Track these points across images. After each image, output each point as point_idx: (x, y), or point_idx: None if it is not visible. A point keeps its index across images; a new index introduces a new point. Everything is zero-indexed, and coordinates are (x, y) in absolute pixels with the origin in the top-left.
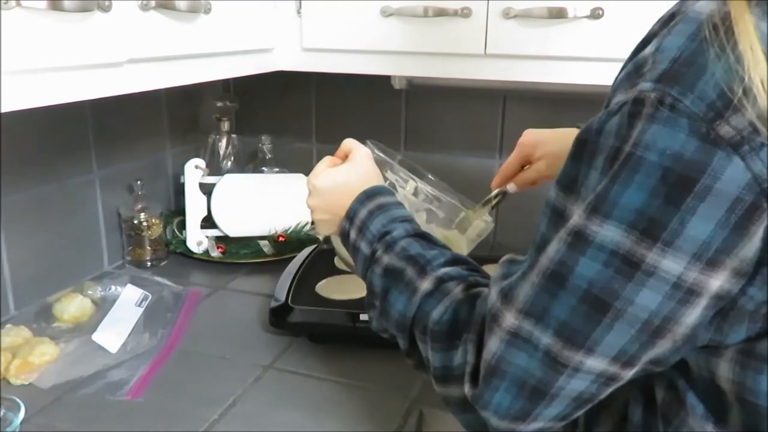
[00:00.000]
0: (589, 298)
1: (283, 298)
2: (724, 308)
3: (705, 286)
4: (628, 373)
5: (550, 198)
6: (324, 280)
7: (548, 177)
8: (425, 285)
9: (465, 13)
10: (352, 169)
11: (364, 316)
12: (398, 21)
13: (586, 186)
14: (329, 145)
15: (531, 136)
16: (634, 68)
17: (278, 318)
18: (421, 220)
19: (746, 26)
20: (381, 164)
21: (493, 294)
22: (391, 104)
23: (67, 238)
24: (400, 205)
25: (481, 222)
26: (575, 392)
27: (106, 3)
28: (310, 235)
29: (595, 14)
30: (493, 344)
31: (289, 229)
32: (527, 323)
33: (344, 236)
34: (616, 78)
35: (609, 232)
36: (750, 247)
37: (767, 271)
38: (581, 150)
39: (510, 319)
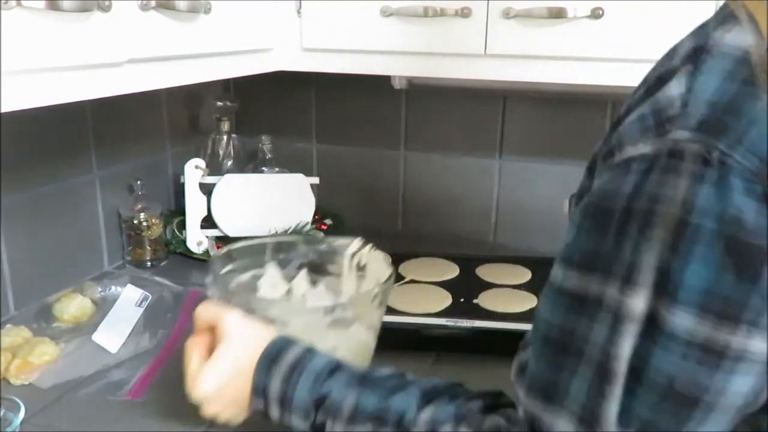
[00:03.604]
0: (673, 395)
1: None
2: None
3: None
4: None
5: (557, 281)
6: None
7: None
8: None
9: (465, 13)
10: (230, 347)
11: None
12: (398, 21)
13: (619, 261)
14: (329, 145)
15: None
16: (653, 111)
17: None
18: (315, 325)
19: None
20: (246, 289)
21: (525, 415)
22: (391, 104)
23: (67, 238)
24: (311, 351)
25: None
26: None
27: (106, 3)
28: (310, 235)
29: (595, 14)
30: None
31: (289, 229)
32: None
33: (263, 416)
34: (621, 120)
35: (679, 318)
36: None
37: None
38: (603, 219)
39: None
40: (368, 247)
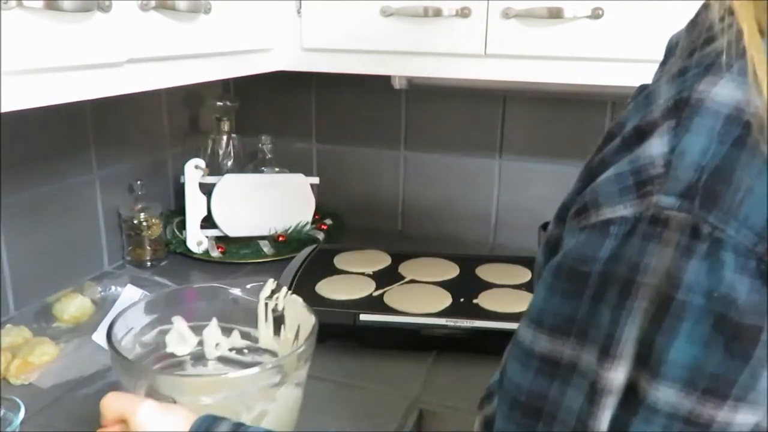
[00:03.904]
0: None
1: None
2: None
3: None
4: None
5: (525, 342)
6: (324, 280)
7: None
8: None
9: (465, 13)
10: None
11: (364, 316)
12: (398, 21)
13: (596, 327)
14: (329, 145)
15: None
16: (632, 170)
17: None
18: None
19: None
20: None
21: None
22: (391, 104)
23: (67, 238)
24: (241, 428)
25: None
26: None
27: (106, 3)
28: (310, 235)
29: (595, 14)
30: None
31: (289, 229)
32: None
33: None
34: (594, 170)
35: (661, 393)
36: None
37: None
38: (578, 283)
39: None
40: (284, 290)
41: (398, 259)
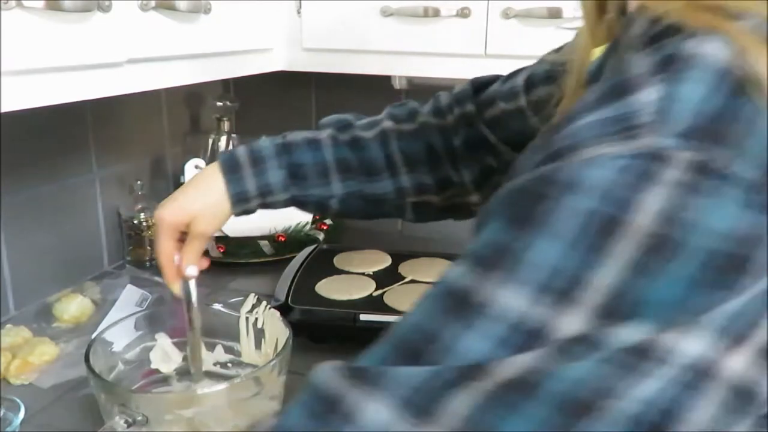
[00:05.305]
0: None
1: (283, 298)
2: None
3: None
4: None
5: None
6: (324, 280)
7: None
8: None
9: (465, 13)
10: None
11: (364, 316)
12: (398, 21)
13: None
14: None
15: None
16: (618, 116)
17: None
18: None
19: None
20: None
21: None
22: (391, 104)
23: (67, 238)
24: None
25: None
26: None
27: (106, 3)
28: (310, 235)
29: None
30: None
31: (289, 229)
32: None
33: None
34: (547, 131)
35: (625, 336)
36: None
37: None
38: (543, 214)
39: None
40: (263, 304)
41: (398, 259)
